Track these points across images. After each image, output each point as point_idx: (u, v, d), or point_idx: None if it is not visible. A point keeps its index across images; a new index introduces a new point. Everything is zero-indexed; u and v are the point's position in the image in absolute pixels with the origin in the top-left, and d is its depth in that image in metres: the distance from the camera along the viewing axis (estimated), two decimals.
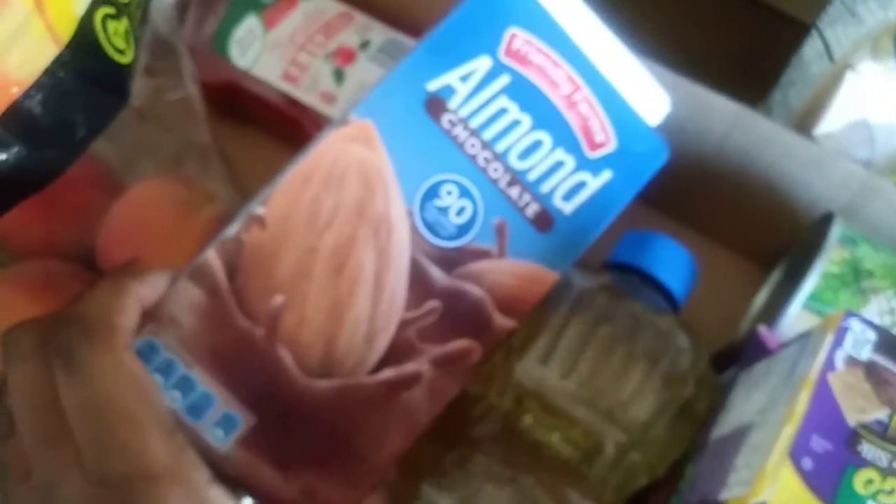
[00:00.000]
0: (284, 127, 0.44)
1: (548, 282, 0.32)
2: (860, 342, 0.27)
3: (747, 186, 0.42)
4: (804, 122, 0.40)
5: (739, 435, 0.29)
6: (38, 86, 0.27)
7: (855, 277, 0.36)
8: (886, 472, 0.25)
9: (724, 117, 0.41)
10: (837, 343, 0.27)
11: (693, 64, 0.42)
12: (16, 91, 0.27)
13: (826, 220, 0.39)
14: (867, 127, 0.40)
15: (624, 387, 0.33)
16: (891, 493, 0.25)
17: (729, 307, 0.44)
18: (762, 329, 0.34)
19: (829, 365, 0.26)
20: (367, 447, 0.30)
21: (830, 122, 0.39)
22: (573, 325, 0.34)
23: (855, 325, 0.27)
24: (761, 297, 0.43)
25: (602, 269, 0.39)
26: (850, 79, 0.39)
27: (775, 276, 0.43)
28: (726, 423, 0.31)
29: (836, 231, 0.37)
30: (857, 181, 0.40)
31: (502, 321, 0.32)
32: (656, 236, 0.38)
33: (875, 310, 0.35)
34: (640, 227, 0.40)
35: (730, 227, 0.45)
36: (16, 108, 0.27)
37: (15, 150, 0.28)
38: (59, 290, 0.35)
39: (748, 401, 0.30)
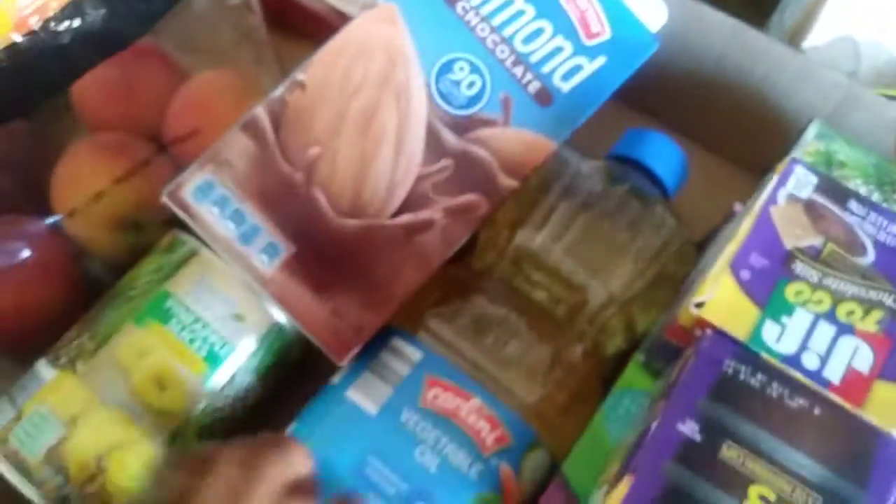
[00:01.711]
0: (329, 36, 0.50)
1: (547, 150, 0.37)
2: (802, 184, 0.31)
3: (742, 98, 0.47)
4: (794, 39, 0.45)
5: (697, 274, 0.34)
6: None
7: (827, 167, 0.40)
8: (816, 287, 0.30)
9: (721, 31, 0.45)
10: (781, 183, 0.31)
11: None
12: None
13: (809, 124, 0.43)
14: (853, 42, 0.44)
15: (607, 252, 0.38)
16: (819, 302, 0.29)
17: (724, 209, 0.48)
18: (737, 205, 0.38)
19: (772, 200, 0.31)
20: (387, 279, 0.36)
21: (817, 37, 0.43)
22: (568, 198, 0.39)
23: (799, 169, 0.31)
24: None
25: (603, 159, 0.43)
26: None
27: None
28: (690, 277, 0.36)
29: (812, 128, 0.41)
30: (841, 91, 0.44)
31: (506, 181, 0.37)
32: (650, 133, 0.43)
33: None
34: None
35: (726, 137, 0.49)
36: None
37: (102, 12, 0.34)
38: (128, 157, 0.42)
39: (707, 254, 0.35)
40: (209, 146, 0.42)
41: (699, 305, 0.29)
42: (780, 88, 0.45)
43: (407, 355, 0.35)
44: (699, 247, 0.42)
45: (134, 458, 0.34)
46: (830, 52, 0.44)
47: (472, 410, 0.33)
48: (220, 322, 0.36)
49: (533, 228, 0.38)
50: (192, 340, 0.36)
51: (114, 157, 0.42)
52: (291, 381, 0.40)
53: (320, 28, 0.50)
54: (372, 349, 0.36)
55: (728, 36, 0.45)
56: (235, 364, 0.36)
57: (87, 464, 0.34)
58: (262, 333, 0.37)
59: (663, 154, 0.43)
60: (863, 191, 0.39)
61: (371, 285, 0.36)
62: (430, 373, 0.34)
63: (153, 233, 0.41)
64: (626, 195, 0.40)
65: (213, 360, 0.36)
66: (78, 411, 0.34)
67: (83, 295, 0.42)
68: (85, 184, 0.41)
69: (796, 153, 0.40)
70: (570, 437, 0.34)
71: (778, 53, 0.45)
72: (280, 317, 0.37)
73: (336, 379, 0.36)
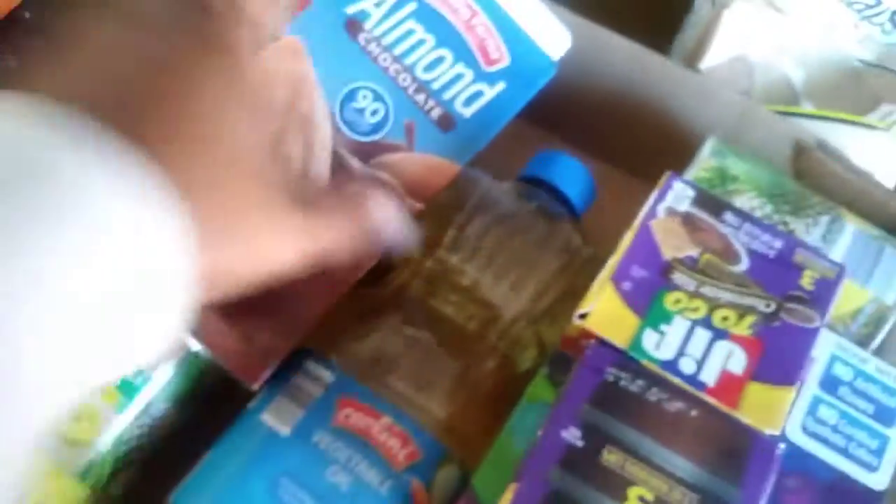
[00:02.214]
0: None
1: (450, 172, 0.39)
2: (680, 198, 0.33)
3: (647, 118, 0.49)
4: (693, 60, 0.47)
5: None
6: None
7: (721, 182, 0.42)
8: (693, 295, 0.31)
9: (624, 55, 0.47)
10: (660, 198, 0.33)
11: (611, 14, 0.48)
12: None
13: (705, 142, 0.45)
14: (746, 62, 0.46)
15: (516, 268, 0.39)
16: (695, 310, 0.31)
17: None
18: None
19: (652, 214, 0.33)
20: (297, 303, 0.37)
21: (713, 58, 0.46)
22: (479, 218, 0.41)
23: (677, 184, 0.33)
24: None
25: (514, 180, 0.45)
26: (726, 18, 0.45)
27: None
28: None
29: (707, 146, 0.43)
30: (737, 109, 0.46)
31: (411, 203, 0.38)
32: (558, 155, 0.45)
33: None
34: None
35: (634, 155, 0.51)
36: None
37: None
38: None
39: None
40: None
41: (583, 316, 0.31)
42: (682, 108, 0.48)
43: (319, 377, 0.36)
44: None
45: (53, 495, 0.35)
46: (726, 72, 0.46)
47: (383, 428, 0.34)
48: None
49: (445, 247, 0.40)
50: None
51: None
52: (213, 406, 0.40)
53: None
54: (286, 372, 0.36)
55: (629, 59, 0.47)
56: (150, 393, 0.37)
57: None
58: (178, 361, 0.38)
59: (570, 175, 0.44)
60: (755, 203, 0.42)
61: (280, 309, 0.36)
62: (341, 393, 0.35)
63: None
64: (534, 214, 0.41)
65: (126, 389, 0.36)
66: None
67: None
68: None
69: (693, 170, 0.42)
70: (481, 452, 0.35)
71: (676, 75, 0.47)
72: (193, 345, 0.38)
73: (252, 404, 0.37)
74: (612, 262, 0.32)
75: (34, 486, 0.34)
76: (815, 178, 0.44)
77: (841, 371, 0.36)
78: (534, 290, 0.39)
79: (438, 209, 0.41)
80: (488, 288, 0.39)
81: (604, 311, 0.31)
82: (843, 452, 0.34)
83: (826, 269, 0.33)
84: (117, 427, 0.36)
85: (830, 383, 0.36)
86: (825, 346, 0.36)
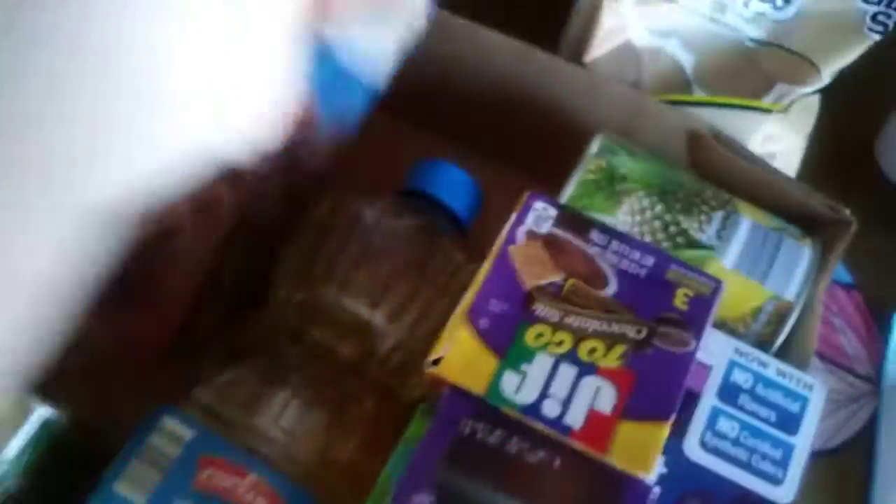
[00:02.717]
0: None
1: None
2: (542, 218, 0.30)
3: (537, 116, 0.46)
4: (577, 53, 0.44)
5: None
6: None
7: (609, 182, 0.39)
8: (557, 327, 0.29)
9: (508, 54, 0.44)
10: (519, 220, 0.30)
11: (497, 12, 0.45)
12: None
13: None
14: (633, 50, 0.43)
15: (394, 294, 0.36)
16: (559, 343, 0.28)
17: None
18: None
19: (511, 239, 0.30)
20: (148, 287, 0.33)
21: (597, 49, 0.43)
22: (351, 243, 0.37)
23: (538, 204, 0.30)
24: None
25: (392, 194, 0.42)
26: (607, 4, 0.42)
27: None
28: None
29: (594, 144, 0.40)
30: (626, 102, 0.43)
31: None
32: (438, 164, 0.42)
33: (627, 209, 0.38)
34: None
35: (528, 155, 0.48)
36: None
37: None
38: None
39: None
40: None
41: (436, 362, 0.28)
42: (572, 104, 0.45)
43: (177, 434, 0.33)
44: None
45: None
46: (613, 62, 0.43)
47: (249, 488, 0.31)
48: None
49: (316, 279, 0.37)
50: None
51: None
52: (72, 477, 0.37)
53: None
54: (141, 433, 0.33)
55: (516, 59, 0.44)
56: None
57: None
58: (26, 433, 0.34)
59: (454, 186, 0.42)
60: (645, 203, 0.39)
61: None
62: (203, 451, 0.32)
63: None
64: (413, 232, 0.38)
65: None
66: None
67: None
68: None
69: (579, 171, 0.40)
70: (373, 482, 0.32)
71: (563, 71, 0.44)
72: (45, 411, 0.35)
73: (106, 472, 0.33)
74: (467, 298, 0.29)
75: None
76: (710, 169, 0.42)
77: (740, 378, 0.34)
78: (415, 315, 0.36)
79: (309, 235, 0.38)
80: (365, 317, 0.36)
81: (459, 354, 0.28)
82: (746, 467, 0.32)
83: (701, 284, 0.30)
84: None
85: (729, 392, 0.33)
86: (722, 353, 0.34)
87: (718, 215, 0.39)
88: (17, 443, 0.34)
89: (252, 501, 0.31)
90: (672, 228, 0.38)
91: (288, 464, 0.33)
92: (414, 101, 0.49)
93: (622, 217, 0.38)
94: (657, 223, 0.38)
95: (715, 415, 0.33)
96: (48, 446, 0.35)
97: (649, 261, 0.30)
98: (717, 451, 0.32)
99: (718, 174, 0.41)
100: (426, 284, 0.37)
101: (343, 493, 0.33)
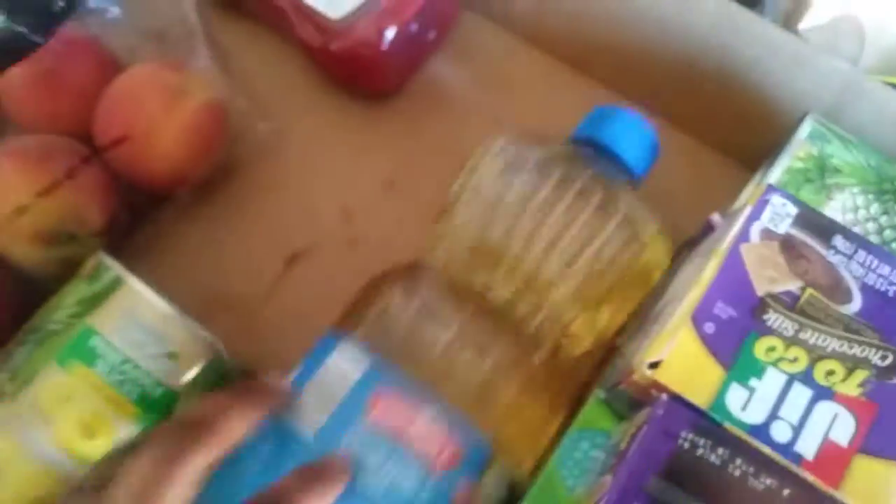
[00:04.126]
0: (273, 16, 0.45)
1: None
2: (780, 216, 0.27)
3: (731, 84, 0.42)
4: (791, 20, 0.40)
5: (665, 307, 0.30)
6: None
7: (820, 174, 0.35)
8: (791, 342, 0.26)
9: (707, 12, 0.40)
10: (755, 216, 0.27)
11: None
12: None
13: (803, 119, 0.38)
14: (855, 23, 0.39)
15: (570, 247, 0.34)
16: (794, 361, 0.26)
17: (712, 206, 0.44)
18: (714, 215, 0.34)
19: (744, 236, 0.27)
20: None
21: (816, 16, 0.38)
22: (527, 192, 0.35)
23: (776, 199, 0.27)
24: (745, 196, 0.43)
25: (565, 143, 0.39)
26: None
27: (759, 176, 0.43)
28: (662, 300, 0.32)
29: (805, 128, 0.36)
30: (840, 79, 0.39)
31: None
32: (614, 111, 0.38)
33: (839, 206, 0.35)
34: None
35: (715, 127, 0.44)
36: None
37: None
38: (52, 165, 0.38)
39: (681, 278, 0.31)
40: (141, 150, 0.39)
41: (654, 366, 0.25)
42: (774, 75, 0.41)
43: (350, 368, 0.31)
44: (677, 252, 0.38)
45: None
46: (830, 34, 0.39)
47: (421, 427, 0.30)
48: (151, 361, 0.33)
49: (488, 224, 0.35)
50: (121, 383, 0.32)
51: (36, 167, 0.38)
52: None
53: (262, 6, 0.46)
54: (311, 362, 0.32)
55: (714, 16, 0.40)
56: (171, 405, 0.33)
57: None
58: (198, 371, 0.34)
59: (628, 134, 0.38)
60: (860, 200, 0.35)
61: None
62: (376, 385, 0.30)
63: (88, 244, 0.38)
64: (588, 183, 0.36)
65: (145, 403, 0.33)
66: (1, 462, 0.31)
67: (14, 314, 0.39)
68: (4, 197, 0.37)
69: (785, 158, 0.36)
70: (534, 438, 0.32)
71: (771, 37, 0.40)
72: (217, 349, 0.34)
73: None
74: (693, 297, 0.26)
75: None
76: None
77: None
78: (590, 271, 0.34)
79: (480, 188, 0.36)
80: (537, 269, 0.34)
81: (680, 358, 0.25)
82: None
83: None
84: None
85: None
86: None
87: None
88: (189, 380, 0.34)
89: (424, 441, 0.30)
90: (888, 233, 0.35)
91: (460, 408, 0.31)
92: (596, 55, 0.45)
93: (830, 214, 0.35)
94: (871, 225, 0.35)
95: None
96: (214, 384, 0.35)
97: None
98: None
99: None
100: (606, 240, 0.35)
101: (514, 446, 0.32)
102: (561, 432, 0.32)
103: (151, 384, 0.33)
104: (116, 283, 0.34)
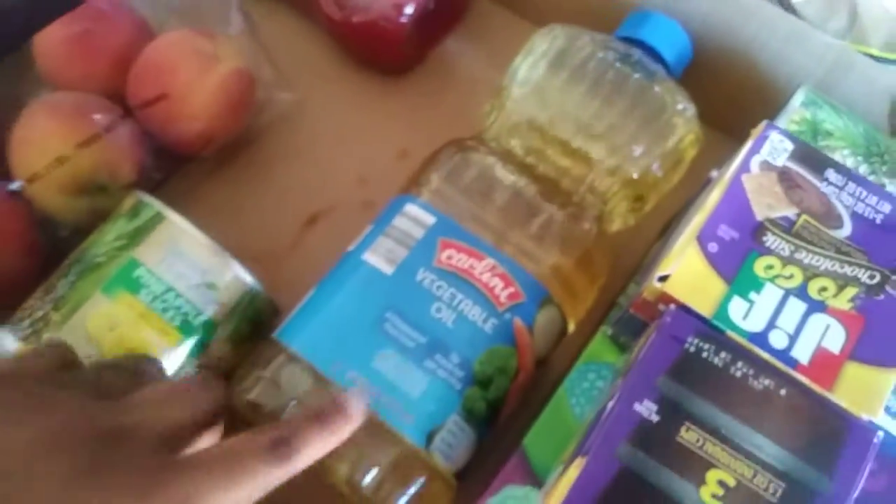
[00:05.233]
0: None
1: None
2: (777, 151, 0.29)
3: (729, 59, 0.45)
4: None
5: (672, 243, 0.32)
6: None
7: (813, 136, 0.38)
8: (787, 261, 0.28)
9: None
10: (755, 150, 0.29)
11: None
12: None
13: (797, 90, 0.41)
14: None
15: (615, 126, 0.37)
16: (789, 277, 0.28)
17: (702, 175, 0.46)
18: (713, 171, 0.36)
19: (744, 168, 0.29)
20: None
21: None
22: (576, 73, 0.38)
23: (774, 135, 0.30)
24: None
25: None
26: None
27: None
28: (666, 246, 0.34)
29: (799, 95, 0.39)
30: (832, 54, 0.42)
31: None
32: (652, 14, 0.42)
33: None
34: None
35: (709, 100, 0.46)
36: None
37: None
38: (90, 119, 0.40)
39: (684, 222, 0.33)
40: (174, 110, 0.41)
41: (663, 279, 0.28)
42: (770, 51, 0.43)
43: (420, 219, 0.35)
44: (673, 218, 0.40)
45: None
46: (823, 7, 0.41)
47: (485, 269, 0.33)
48: (192, 291, 0.35)
49: (540, 102, 0.38)
50: (164, 310, 0.34)
51: (75, 120, 0.40)
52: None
53: None
54: (386, 216, 0.36)
55: None
56: (210, 333, 0.35)
57: None
58: (236, 300, 0.36)
59: (666, 34, 0.42)
60: (849, 162, 0.38)
61: None
62: (443, 236, 0.34)
63: (116, 196, 0.40)
64: (632, 67, 0.38)
65: (187, 329, 0.35)
66: None
67: (43, 260, 0.41)
68: (45, 147, 0.39)
69: (781, 121, 0.39)
70: (578, 299, 0.36)
71: (768, 14, 0.43)
72: (253, 281, 0.36)
73: (351, 247, 0.36)
74: (699, 220, 0.28)
75: None
76: None
77: None
78: (633, 149, 0.37)
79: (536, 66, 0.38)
80: (584, 144, 0.37)
81: (687, 273, 0.28)
82: None
83: None
84: (178, 368, 0.35)
85: None
86: None
87: None
88: (228, 310, 0.36)
89: (488, 281, 0.33)
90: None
91: (519, 255, 0.34)
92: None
93: None
94: None
95: None
96: (250, 316, 0.37)
97: (886, 207, 0.29)
98: None
99: None
100: (648, 122, 0.37)
101: (565, 291, 0.35)
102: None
103: (192, 312, 0.35)
104: (158, 218, 0.36)
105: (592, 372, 0.33)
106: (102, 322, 0.34)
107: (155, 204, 0.36)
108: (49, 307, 0.35)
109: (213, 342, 0.35)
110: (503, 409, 0.34)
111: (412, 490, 0.31)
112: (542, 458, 0.31)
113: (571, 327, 0.37)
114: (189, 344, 0.35)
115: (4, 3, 0.43)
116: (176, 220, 0.35)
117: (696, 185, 0.40)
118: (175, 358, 0.34)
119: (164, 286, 0.34)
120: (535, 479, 0.31)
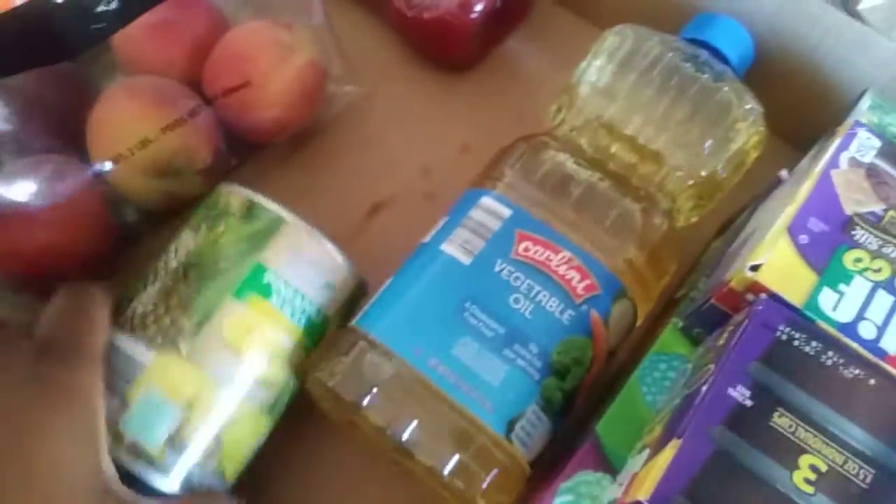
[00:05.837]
0: None
1: None
2: (865, 148, 0.30)
3: (793, 66, 0.45)
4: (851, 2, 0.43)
5: (748, 237, 0.33)
6: None
7: None
8: (875, 255, 0.29)
9: None
10: (843, 146, 0.30)
11: None
12: None
13: (863, 95, 0.42)
14: None
15: (680, 125, 0.38)
16: (878, 271, 0.29)
17: (759, 182, 0.46)
18: (783, 171, 0.37)
19: (833, 163, 0.30)
20: None
21: None
22: (645, 72, 0.39)
23: (862, 133, 0.30)
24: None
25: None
26: None
27: (816, 148, 0.46)
28: (738, 240, 0.35)
29: (866, 98, 0.39)
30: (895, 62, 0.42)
31: None
32: (718, 16, 0.43)
33: None
34: None
35: (769, 106, 0.47)
36: None
37: None
38: (171, 104, 0.41)
39: (757, 217, 0.34)
40: (253, 98, 0.42)
41: (755, 268, 0.28)
42: (834, 57, 0.44)
43: (497, 212, 0.36)
44: (730, 221, 0.41)
45: (246, 430, 0.35)
46: (889, 13, 0.42)
47: (561, 261, 0.34)
48: (316, 292, 0.36)
49: (609, 99, 0.38)
50: (292, 313, 0.35)
51: (159, 104, 0.41)
52: None
53: None
54: (461, 208, 0.37)
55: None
56: (325, 329, 0.36)
57: (207, 443, 0.33)
58: (347, 297, 0.37)
59: (733, 37, 0.42)
60: None
61: None
62: (519, 228, 0.35)
63: (188, 180, 0.41)
64: (699, 68, 0.39)
65: (310, 330, 0.36)
66: (192, 394, 0.33)
67: (116, 241, 0.42)
68: (130, 129, 0.40)
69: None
70: (648, 293, 0.36)
71: (833, 19, 0.43)
72: (361, 276, 0.38)
73: (427, 238, 0.37)
74: (789, 212, 0.29)
75: (232, 428, 0.34)
76: None
77: None
78: (698, 144, 0.37)
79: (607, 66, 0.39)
80: (652, 141, 0.38)
81: (778, 264, 0.28)
82: None
83: None
84: (292, 363, 0.36)
85: None
86: None
87: None
88: (342, 306, 0.37)
89: (565, 273, 0.34)
90: None
91: (594, 248, 0.35)
92: None
93: None
94: None
95: None
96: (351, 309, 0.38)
97: None
98: None
99: None
100: (714, 122, 0.38)
101: (638, 284, 0.36)
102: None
103: (315, 312, 0.35)
104: (279, 221, 0.36)
105: (663, 363, 0.34)
106: (238, 327, 0.34)
107: (272, 206, 0.36)
108: (177, 313, 0.34)
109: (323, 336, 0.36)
110: (577, 400, 0.35)
111: (491, 477, 0.31)
112: (615, 445, 0.32)
113: (639, 321, 0.38)
114: (308, 343, 0.36)
115: None
116: (299, 224, 0.36)
117: (750, 187, 0.41)
118: (296, 356, 0.35)
119: (291, 289, 0.35)
120: (608, 464, 0.31)
